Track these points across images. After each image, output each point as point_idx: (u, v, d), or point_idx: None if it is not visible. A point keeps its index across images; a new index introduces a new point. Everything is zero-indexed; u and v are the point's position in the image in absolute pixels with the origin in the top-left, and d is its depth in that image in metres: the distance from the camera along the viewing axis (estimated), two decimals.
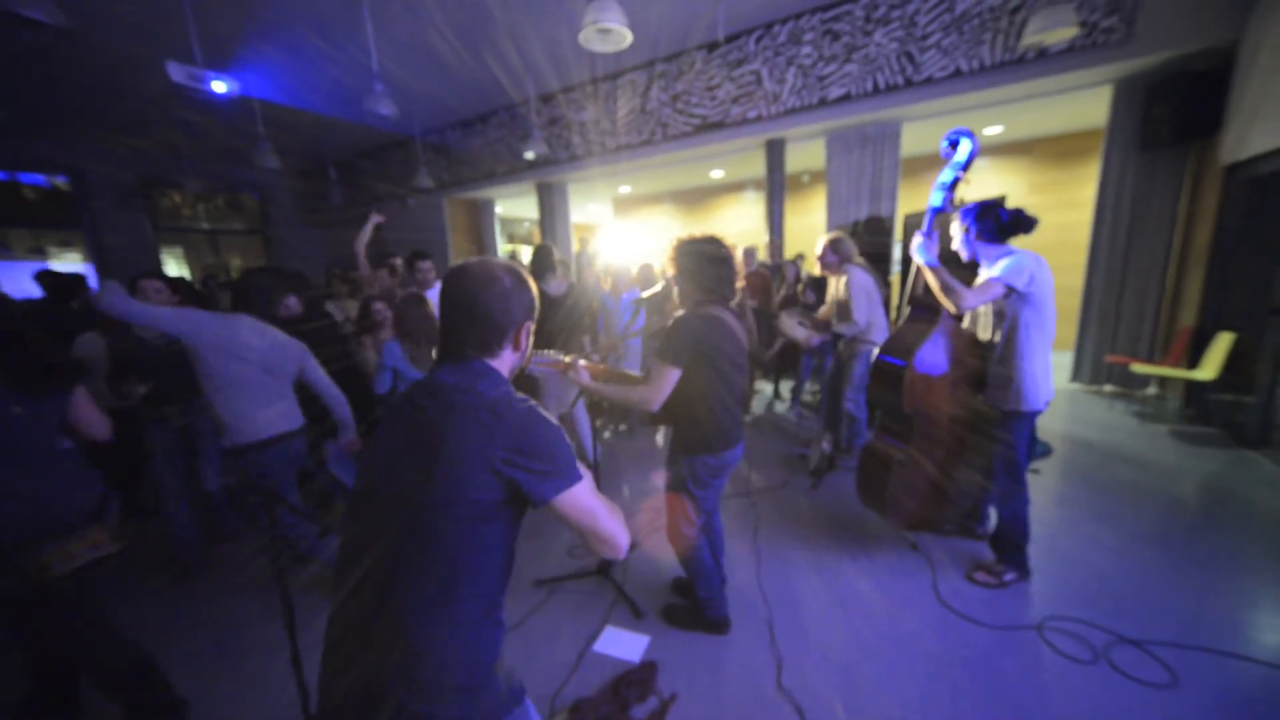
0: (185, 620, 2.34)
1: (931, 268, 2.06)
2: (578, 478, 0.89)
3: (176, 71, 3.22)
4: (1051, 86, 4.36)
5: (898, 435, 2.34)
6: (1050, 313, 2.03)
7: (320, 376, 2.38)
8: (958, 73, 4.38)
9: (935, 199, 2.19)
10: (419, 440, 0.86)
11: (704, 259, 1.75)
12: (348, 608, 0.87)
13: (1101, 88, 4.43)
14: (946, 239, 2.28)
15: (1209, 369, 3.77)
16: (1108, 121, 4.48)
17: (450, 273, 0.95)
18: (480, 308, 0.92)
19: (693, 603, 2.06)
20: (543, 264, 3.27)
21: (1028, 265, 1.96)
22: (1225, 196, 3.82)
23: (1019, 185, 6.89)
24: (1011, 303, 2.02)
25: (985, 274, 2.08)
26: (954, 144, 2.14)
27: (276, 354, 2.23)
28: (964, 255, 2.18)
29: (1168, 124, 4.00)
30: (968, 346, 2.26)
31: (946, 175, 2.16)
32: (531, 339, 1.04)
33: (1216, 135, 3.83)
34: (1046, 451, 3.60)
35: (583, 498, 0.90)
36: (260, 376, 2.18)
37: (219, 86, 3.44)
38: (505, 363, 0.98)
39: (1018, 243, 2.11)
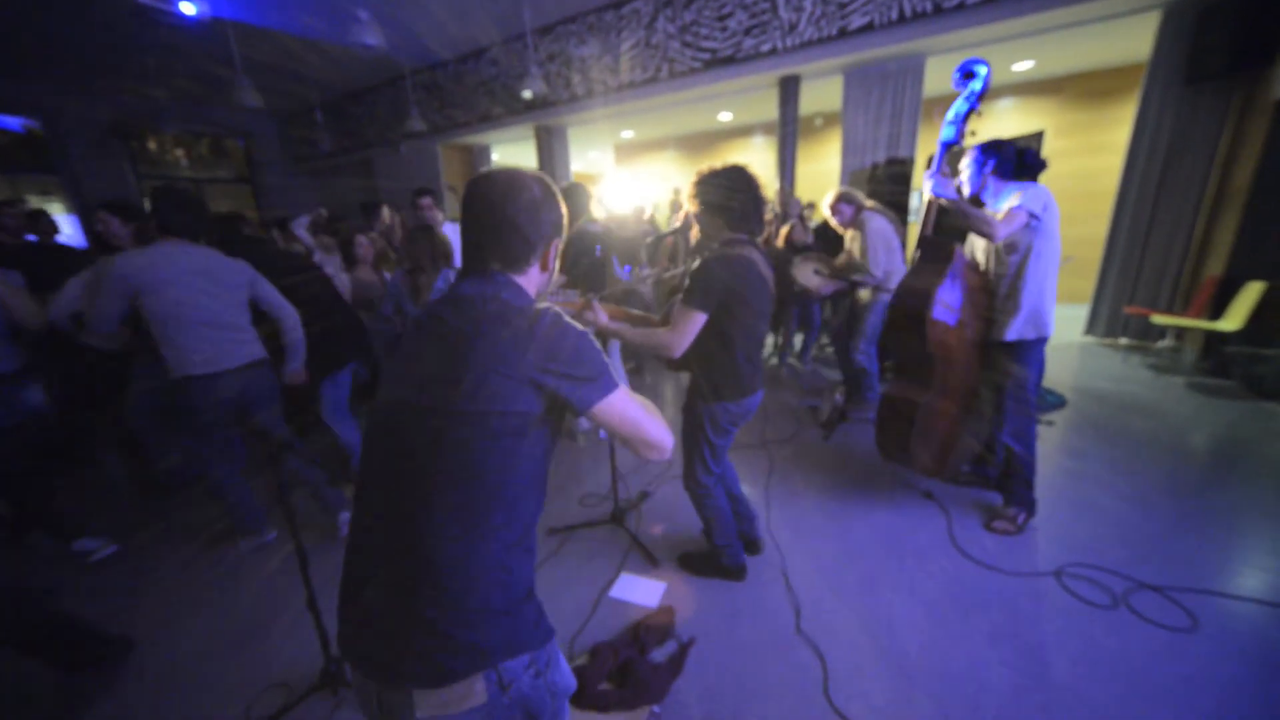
0: (191, 573, 2.34)
1: (952, 201, 1.98)
2: (615, 384, 0.86)
3: None
4: (1094, 13, 4.00)
5: (919, 379, 2.27)
6: (1057, 243, 2.03)
7: (274, 294, 2.27)
8: None
9: (947, 133, 2.15)
10: (446, 351, 0.80)
11: (732, 193, 1.60)
12: (374, 526, 0.82)
13: (1148, 15, 4.08)
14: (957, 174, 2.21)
15: (1234, 319, 3.66)
16: (1151, 52, 4.16)
17: (474, 180, 0.86)
18: (507, 218, 0.84)
19: (709, 550, 2.05)
20: (579, 203, 3.12)
21: (1041, 195, 1.96)
22: (1273, 134, 3.58)
23: (1045, 128, 6.53)
24: (1025, 233, 1.98)
25: (1002, 206, 2.02)
26: (967, 74, 2.08)
27: (219, 274, 2.10)
28: (968, 189, 2.13)
29: (1218, 53, 3.71)
30: (978, 288, 2.19)
31: (960, 107, 2.11)
32: (559, 261, 0.95)
33: (1271, 67, 3.55)
34: (1060, 403, 3.55)
35: (624, 404, 0.87)
36: (206, 303, 2.05)
37: (187, 8, 3.13)
38: (532, 282, 0.91)
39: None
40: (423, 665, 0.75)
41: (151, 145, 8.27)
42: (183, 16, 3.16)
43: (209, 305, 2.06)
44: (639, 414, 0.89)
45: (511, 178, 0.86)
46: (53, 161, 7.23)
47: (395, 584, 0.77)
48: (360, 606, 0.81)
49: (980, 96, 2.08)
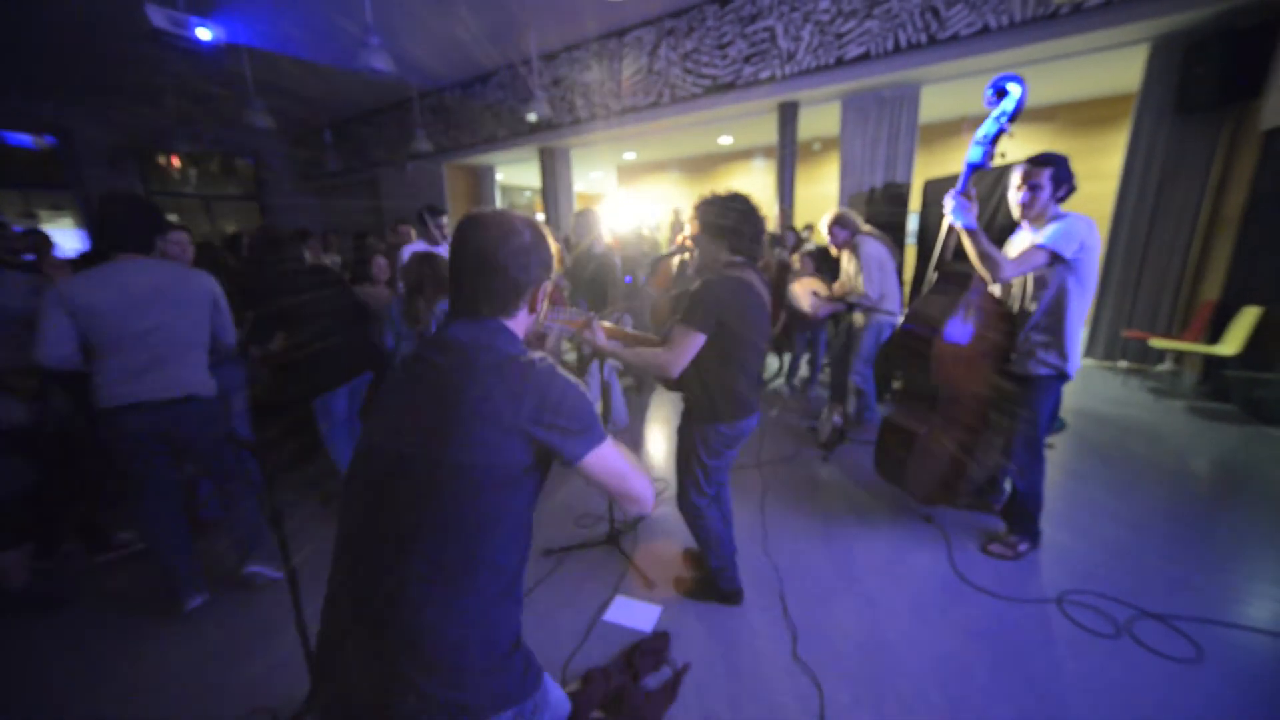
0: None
1: (970, 231, 1.91)
2: (603, 436, 0.87)
3: (157, 15, 3.01)
4: (1084, 45, 4.13)
5: (921, 407, 2.26)
6: (1094, 280, 1.94)
7: (225, 320, 2.12)
8: (985, 29, 4.14)
9: (974, 154, 1.98)
10: (435, 399, 0.79)
11: (733, 217, 1.63)
12: (352, 581, 0.80)
13: (1136, 48, 4.20)
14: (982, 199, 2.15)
15: (1232, 344, 3.67)
16: (1141, 83, 4.26)
17: (464, 223, 0.87)
18: (498, 263, 0.84)
19: (705, 574, 2.02)
20: (592, 228, 3.54)
21: (1079, 232, 1.84)
22: (1263, 163, 3.65)
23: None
24: (1056, 270, 1.90)
25: (1030, 239, 1.95)
26: (999, 91, 1.94)
27: (176, 291, 1.94)
28: (1027, 213, 1.99)
29: (1207, 85, 3.80)
30: (995, 319, 2.14)
31: (989, 127, 1.95)
32: (547, 301, 0.96)
33: (1259, 98, 3.63)
34: (1060, 426, 3.53)
35: (611, 457, 0.88)
36: (156, 326, 1.88)
37: (203, 34, 3.24)
38: (521, 324, 0.92)
39: None
40: None
41: (162, 163, 8.43)
42: (199, 42, 3.26)
43: (159, 329, 1.89)
44: (625, 467, 0.89)
45: (501, 223, 0.85)
46: (65, 177, 7.38)
47: (374, 642, 0.75)
48: (339, 664, 0.78)
49: (1013, 117, 1.91)
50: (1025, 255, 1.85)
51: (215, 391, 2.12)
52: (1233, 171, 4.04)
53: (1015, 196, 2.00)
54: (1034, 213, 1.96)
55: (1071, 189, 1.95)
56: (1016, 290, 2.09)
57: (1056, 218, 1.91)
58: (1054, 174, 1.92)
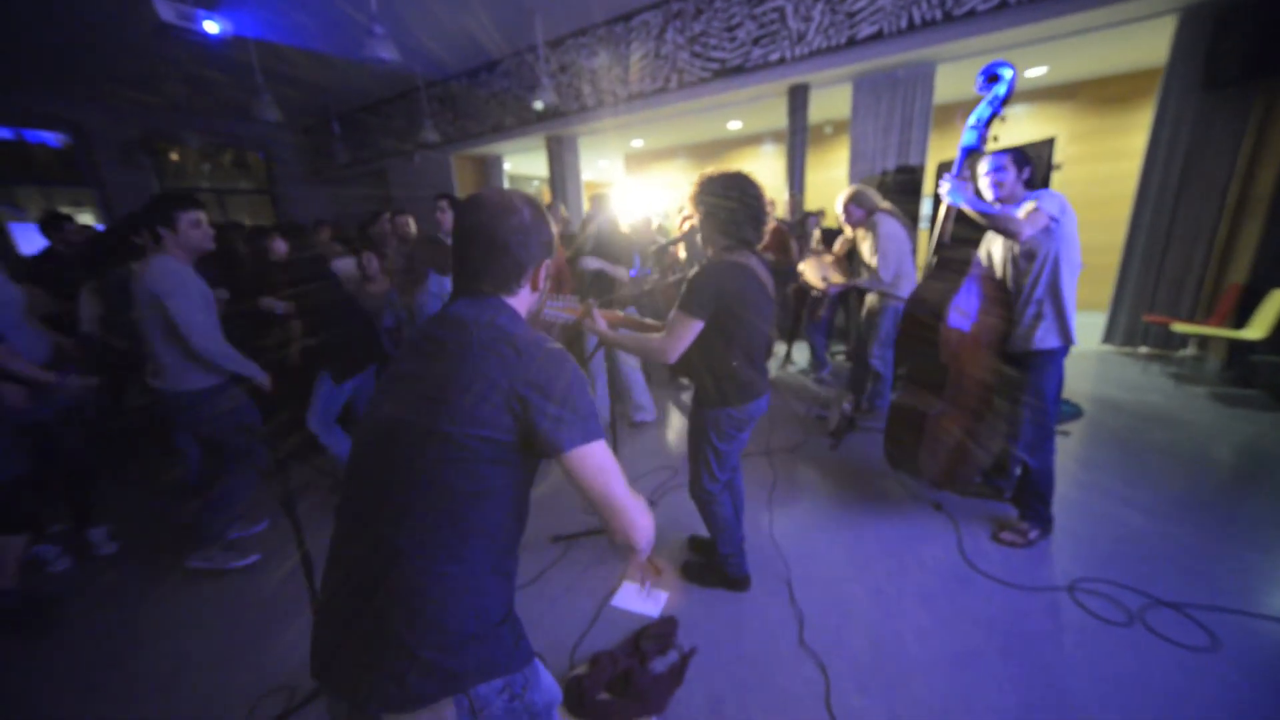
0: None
1: (976, 209, 1.93)
2: (597, 435, 0.82)
3: (165, 9, 3.03)
4: (1108, 18, 3.96)
5: (930, 389, 2.24)
6: (1077, 248, 1.99)
7: (179, 314, 1.98)
8: (1003, 4, 3.99)
9: (969, 138, 2.07)
10: (435, 371, 0.81)
11: (731, 198, 1.61)
12: (352, 546, 0.82)
13: (1164, 19, 4.03)
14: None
15: (1259, 328, 3.56)
16: (1168, 57, 4.09)
17: (466, 202, 0.89)
18: (499, 240, 0.86)
19: (713, 559, 2.03)
20: (605, 212, 3.55)
21: (1054, 195, 1.93)
22: None
23: (1057, 134, 6.44)
24: (1045, 239, 1.96)
25: (1019, 213, 1.98)
26: (991, 77, 2.01)
27: (136, 289, 2.00)
28: (990, 194, 2.09)
29: (1237, 58, 3.63)
30: (995, 301, 2.15)
31: (983, 111, 2.04)
32: (549, 281, 0.97)
33: None
34: (1076, 413, 3.47)
35: (600, 457, 0.82)
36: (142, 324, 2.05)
37: (210, 26, 3.25)
38: (523, 302, 0.92)
39: None
40: (394, 687, 0.74)
41: (178, 157, 8.54)
42: (206, 35, 3.28)
43: (140, 325, 2.05)
44: (614, 475, 0.82)
45: (502, 201, 0.87)
46: (83, 174, 7.51)
47: (370, 603, 0.77)
48: (335, 623, 0.80)
49: (1005, 101, 2.00)
50: (1032, 216, 1.90)
51: (200, 386, 2.11)
52: (1264, 148, 3.88)
53: (986, 185, 2.09)
54: (1006, 193, 2.07)
55: (1034, 175, 2.07)
56: (1009, 268, 2.12)
57: (1030, 197, 1.98)
58: (1014, 156, 2.05)
